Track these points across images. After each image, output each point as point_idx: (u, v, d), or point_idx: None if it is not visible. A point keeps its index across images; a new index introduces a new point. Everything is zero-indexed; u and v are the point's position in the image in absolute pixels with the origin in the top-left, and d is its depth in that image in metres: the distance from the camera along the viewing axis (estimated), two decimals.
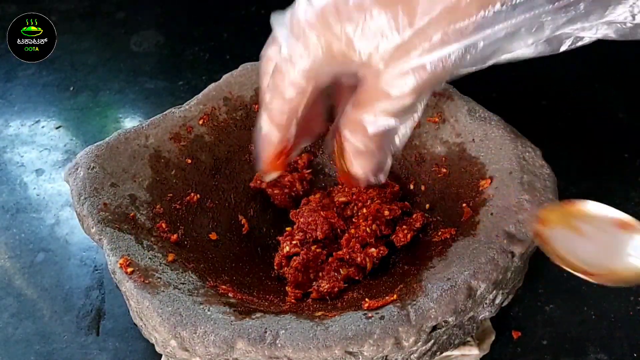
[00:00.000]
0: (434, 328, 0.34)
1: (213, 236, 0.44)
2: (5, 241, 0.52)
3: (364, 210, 0.44)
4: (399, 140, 0.32)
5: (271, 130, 0.33)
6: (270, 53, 0.33)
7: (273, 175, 0.37)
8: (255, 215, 0.47)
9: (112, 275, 0.37)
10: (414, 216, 0.44)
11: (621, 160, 0.55)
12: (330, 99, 0.35)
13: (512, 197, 0.38)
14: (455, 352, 0.40)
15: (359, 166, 0.33)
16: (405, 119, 0.31)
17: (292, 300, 0.40)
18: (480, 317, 0.37)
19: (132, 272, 0.36)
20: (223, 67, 0.51)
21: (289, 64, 0.31)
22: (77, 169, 0.41)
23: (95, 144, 0.43)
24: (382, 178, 0.34)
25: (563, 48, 0.30)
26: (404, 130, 0.32)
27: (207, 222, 0.44)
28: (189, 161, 0.46)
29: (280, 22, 0.32)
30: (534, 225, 0.33)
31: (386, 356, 0.33)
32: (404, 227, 0.43)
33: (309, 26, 0.29)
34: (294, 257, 0.42)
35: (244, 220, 0.46)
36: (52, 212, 0.54)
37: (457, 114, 0.45)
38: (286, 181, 0.47)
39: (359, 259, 0.42)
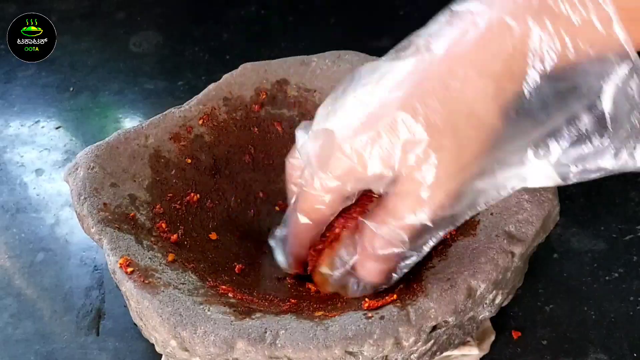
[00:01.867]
0: (434, 328, 0.34)
1: (213, 236, 0.44)
2: (5, 241, 0.52)
3: None
4: (404, 268, 0.34)
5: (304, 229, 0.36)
6: (294, 162, 0.37)
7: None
8: (255, 215, 0.47)
9: (112, 275, 0.37)
10: None
11: None
12: None
13: (512, 197, 0.38)
14: (455, 352, 0.40)
15: (374, 270, 0.35)
16: (419, 248, 0.33)
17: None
18: (480, 317, 0.37)
19: (132, 272, 0.36)
20: (223, 67, 0.51)
21: (314, 186, 0.33)
22: (76, 169, 0.41)
23: (95, 144, 0.43)
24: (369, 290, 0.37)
25: None
26: (410, 262, 0.34)
27: (207, 222, 0.44)
28: (189, 161, 0.46)
29: (303, 140, 0.34)
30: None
31: (386, 356, 0.33)
32: None
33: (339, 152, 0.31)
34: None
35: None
36: (52, 212, 0.54)
37: None
38: None
39: None
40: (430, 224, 0.31)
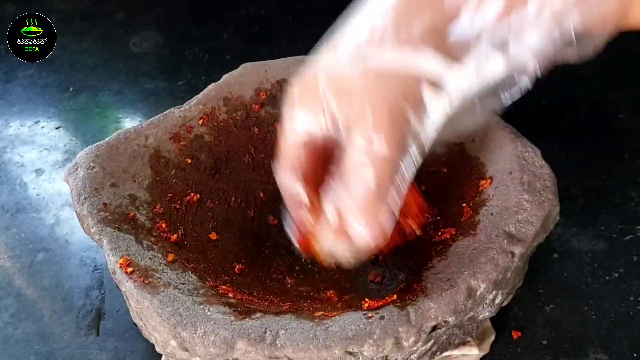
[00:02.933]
0: (434, 328, 0.34)
1: (213, 236, 0.44)
2: (5, 241, 0.52)
3: None
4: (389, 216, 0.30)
5: (287, 179, 0.33)
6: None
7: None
8: (255, 215, 0.47)
9: (112, 275, 0.37)
10: None
11: (621, 160, 0.55)
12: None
13: (512, 197, 0.38)
14: (455, 352, 0.40)
15: (368, 221, 0.30)
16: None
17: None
18: (480, 317, 0.37)
19: (132, 272, 0.36)
20: (223, 67, 0.51)
21: (289, 123, 0.32)
22: (76, 169, 0.41)
23: (95, 144, 0.43)
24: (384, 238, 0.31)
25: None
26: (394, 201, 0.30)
27: (207, 222, 0.44)
28: (189, 161, 0.46)
29: (293, 85, 0.33)
30: None
31: (386, 356, 0.33)
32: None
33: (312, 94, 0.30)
34: None
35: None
36: (52, 212, 0.54)
37: None
38: None
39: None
40: (387, 152, 0.29)
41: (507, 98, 0.31)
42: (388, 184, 0.30)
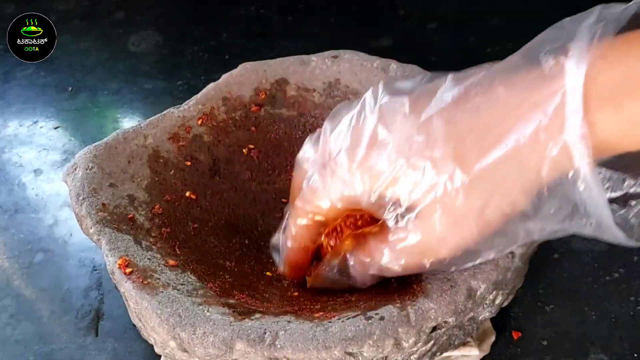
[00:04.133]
0: (434, 329, 0.34)
1: (212, 236, 0.44)
2: (3, 241, 0.52)
3: None
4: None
5: (290, 243, 0.38)
6: (304, 165, 0.36)
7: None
8: (255, 215, 0.47)
9: (111, 276, 0.37)
10: None
11: None
12: None
13: None
14: (456, 353, 0.40)
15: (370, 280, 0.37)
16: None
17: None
18: (480, 318, 0.37)
19: (130, 273, 0.36)
20: (222, 67, 0.51)
21: (311, 195, 0.34)
22: (75, 169, 0.41)
23: (94, 144, 0.43)
24: None
25: None
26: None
27: (206, 222, 0.44)
28: (188, 162, 0.46)
29: (310, 150, 0.36)
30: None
31: (386, 357, 0.33)
32: None
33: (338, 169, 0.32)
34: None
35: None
36: (51, 213, 0.54)
37: None
38: None
39: None
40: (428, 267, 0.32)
41: None
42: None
